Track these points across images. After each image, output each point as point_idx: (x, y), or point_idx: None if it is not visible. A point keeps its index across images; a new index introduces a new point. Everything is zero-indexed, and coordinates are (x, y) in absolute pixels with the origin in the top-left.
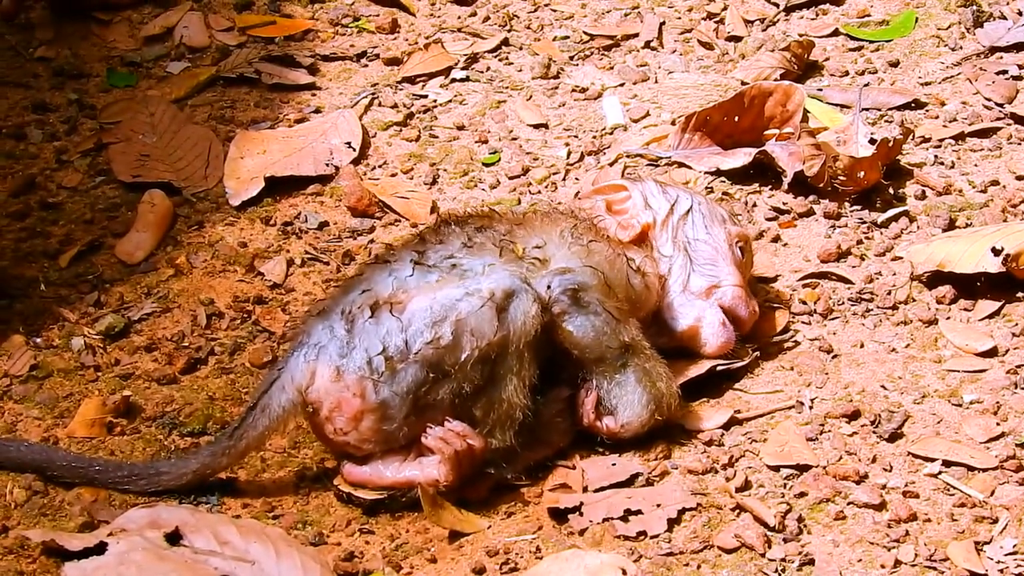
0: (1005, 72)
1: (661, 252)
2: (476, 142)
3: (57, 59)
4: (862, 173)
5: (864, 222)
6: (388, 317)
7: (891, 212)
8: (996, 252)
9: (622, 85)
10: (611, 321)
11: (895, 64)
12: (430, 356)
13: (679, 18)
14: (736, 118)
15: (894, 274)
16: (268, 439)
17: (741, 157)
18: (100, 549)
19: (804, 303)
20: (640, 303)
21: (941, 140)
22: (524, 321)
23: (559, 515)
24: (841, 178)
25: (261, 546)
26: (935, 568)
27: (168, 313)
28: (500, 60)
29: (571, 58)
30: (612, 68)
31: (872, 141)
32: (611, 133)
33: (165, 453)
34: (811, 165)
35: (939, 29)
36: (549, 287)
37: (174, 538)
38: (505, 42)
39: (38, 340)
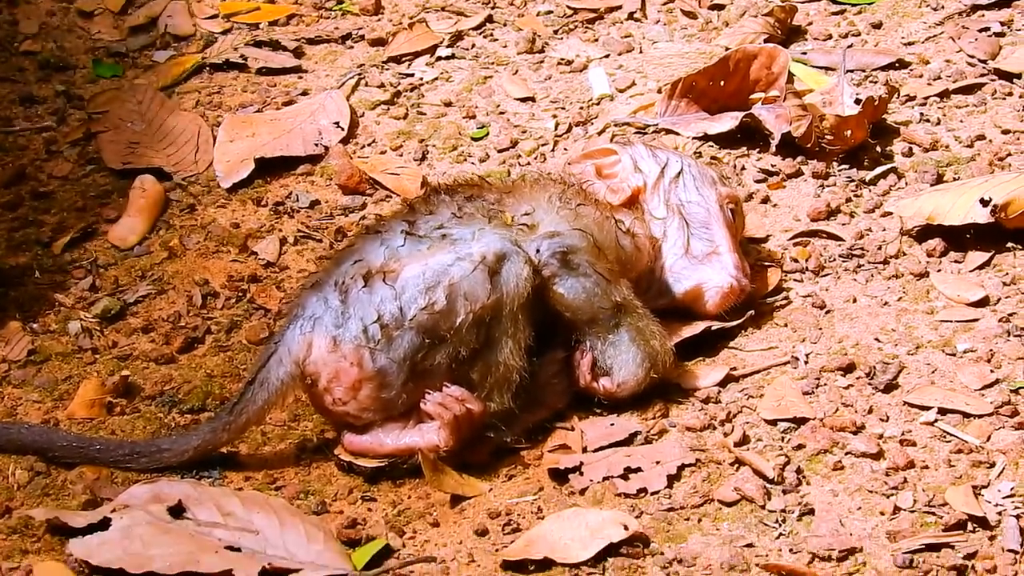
0: (987, 29)
1: (654, 215)
2: (464, 117)
3: (43, 52)
4: (849, 132)
5: (852, 180)
6: (381, 286)
7: (879, 169)
8: (984, 203)
9: (607, 56)
10: (602, 282)
11: (878, 26)
12: (425, 322)
13: None
14: (722, 83)
15: (884, 230)
16: (268, 413)
17: (728, 121)
18: (104, 525)
19: (796, 261)
20: (631, 264)
21: (926, 98)
22: (516, 283)
23: (559, 476)
24: (828, 138)
25: (264, 516)
26: (934, 513)
27: (163, 295)
28: (485, 37)
29: (555, 32)
30: (596, 40)
31: (858, 101)
32: (598, 104)
33: (165, 431)
34: (798, 126)
35: None
36: (538, 251)
37: (177, 512)
38: (489, 19)
39: (35, 325)
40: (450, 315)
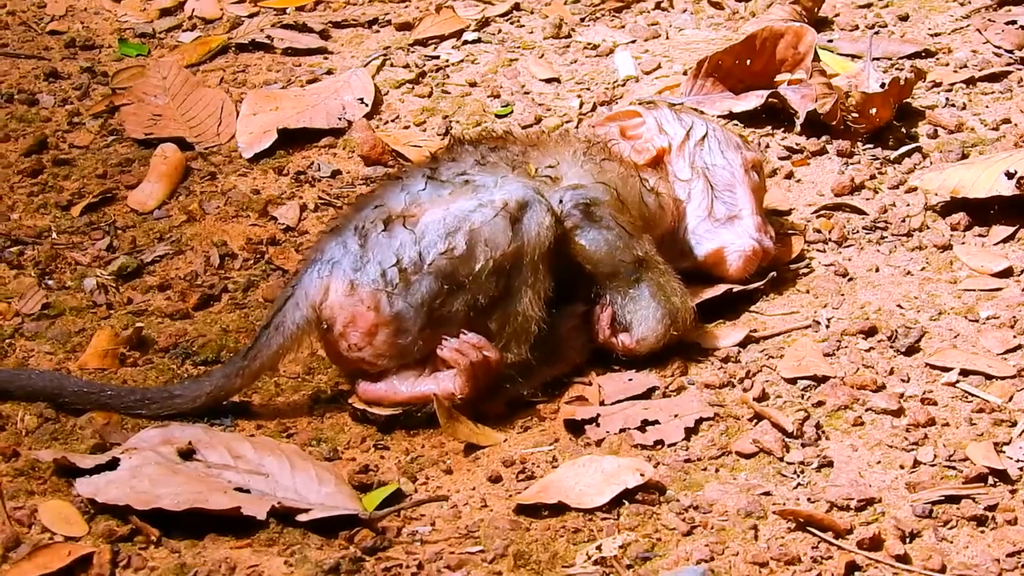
0: (1014, 22)
1: (678, 177)
2: (489, 96)
3: (68, 32)
4: (874, 110)
5: (877, 159)
6: (401, 230)
7: (904, 148)
8: (1010, 176)
9: (633, 42)
10: (624, 235)
11: (904, 18)
12: (444, 267)
13: None
14: (748, 62)
15: (908, 204)
16: (282, 358)
17: (753, 100)
18: (112, 465)
19: (819, 232)
20: (654, 222)
21: (952, 84)
22: (538, 232)
23: (575, 427)
24: (854, 115)
25: (275, 459)
26: (954, 467)
27: (181, 255)
28: (511, 23)
29: (582, 20)
30: (623, 27)
31: (883, 86)
32: (623, 85)
33: (178, 381)
34: (823, 103)
35: None
36: (561, 201)
37: (187, 455)
38: (516, 7)
39: (50, 282)
40: (469, 261)
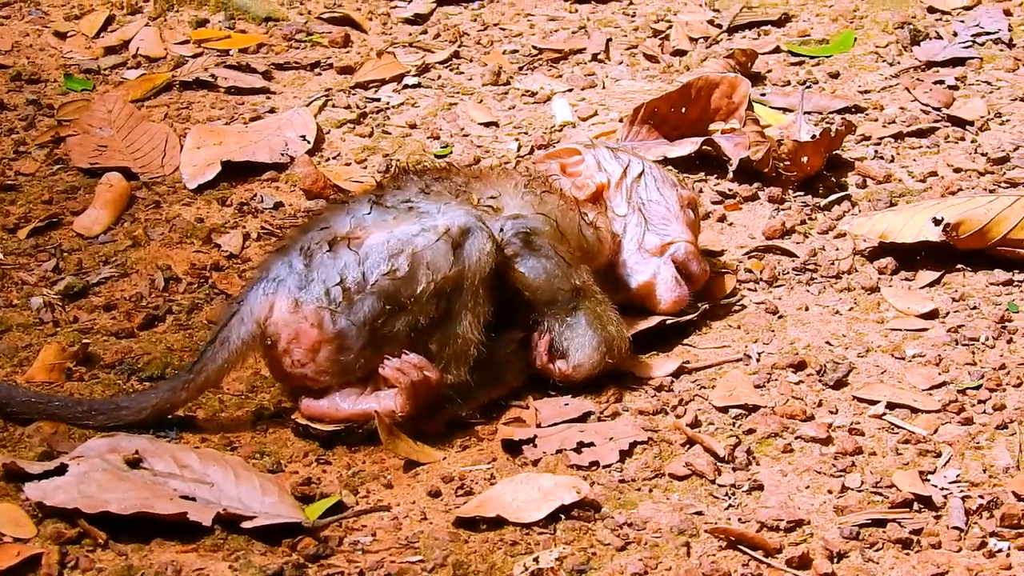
0: (942, 82)
1: (616, 212)
2: (428, 137)
3: (15, 66)
4: (806, 158)
5: (807, 205)
6: (346, 251)
7: (833, 196)
8: (937, 222)
9: (570, 90)
10: (562, 264)
11: (835, 75)
12: (387, 287)
13: (625, 36)
14: (683, 109)
15: (837, 249)
16: (227, 373)
17: (688, 146)
18: (61, 471)
19: (750, 271)
20: (593, 254)
21: (881, 138)
22: (479, 258)
23: (513, 447)
24: (786, 163)
25: (220, 470)
26: (881, 493)
27: (126, 278)
28: (451, 70)
29: (520, 68)
30: (561, 76)
31: (814, 136)
32: (560, 130)
33: (124, 394)
34: (756, 150)
35: (877, 47)
36: (502, 230)
37: (134, 463)
38: (456, 55)
39: None
40: (411, 283)
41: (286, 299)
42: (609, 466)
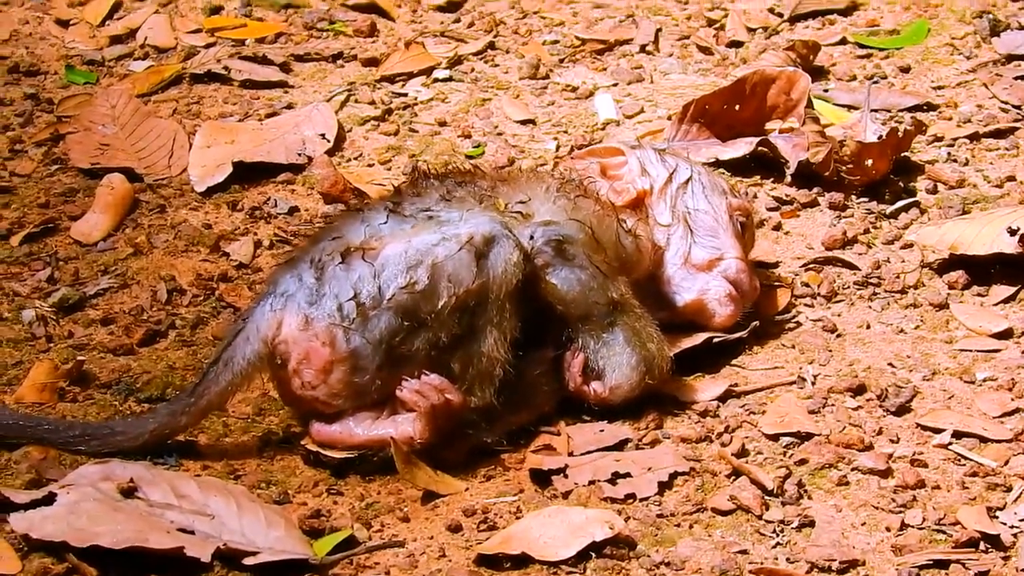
0: (1022, 77)
1: (659, 221)
2: (459, 136)
3: (12, 57)
4: (870, 161)
5: (871, 212)
6: (360, 263)
7: (900, 203)
8: (1012, 232)
9: (615, 85)
10: (598, 276)
11: (906, 70)
12: (404, 302)
13: (676, 25)
14: (737, 107)
15: (903, 261)
16: (231, 396)
17: (742, 147)
18: (48, 501)
19: (807, 285)
20: (631, 264)
21: (955, 139)
22: (505, 269)
23: (542, 478)
24: (848, 166)
25: (222, 500)
26: (944, 531)
27: (126, 289)
28: (485, 62)
29: (561, 61)
30: (605, 69)
31: (880, 137)
32: (603, 128)
33: (121, 418)
34: (816, 152)
35: (953, 38)
36: (532, 237)
37: (128, 493)
38: (491, 45)
39: None
40: (431, 297)
41: (295, 315)
42: (646, 499)
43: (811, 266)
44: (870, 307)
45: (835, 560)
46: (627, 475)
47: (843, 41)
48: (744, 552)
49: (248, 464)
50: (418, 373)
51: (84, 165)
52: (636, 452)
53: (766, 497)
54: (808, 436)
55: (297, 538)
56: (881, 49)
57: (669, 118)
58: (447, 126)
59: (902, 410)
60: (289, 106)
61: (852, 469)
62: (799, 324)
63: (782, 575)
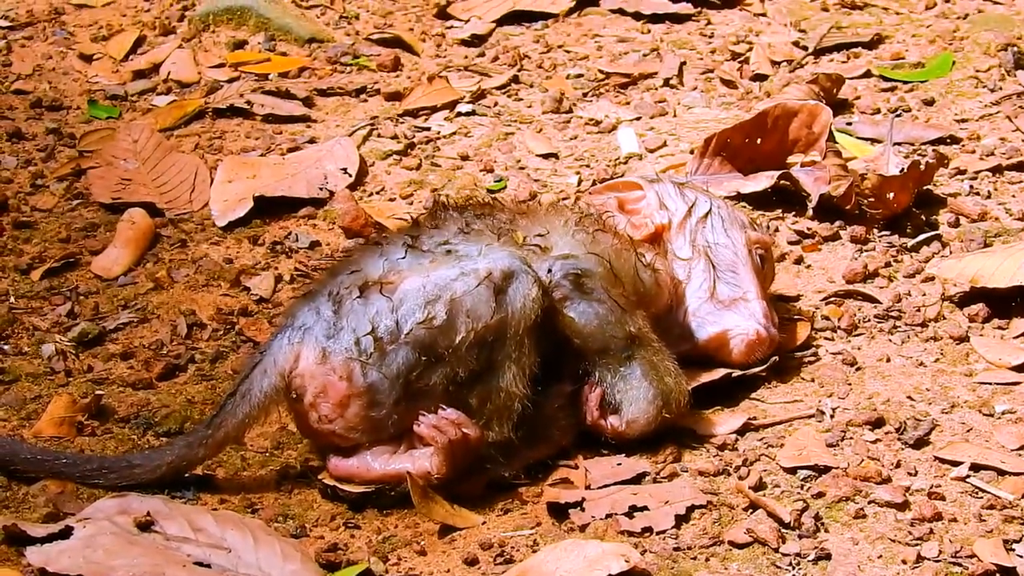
0: None
1: (678, 255)
2: (481, 170)
3: (35, 92)
4: (892, 195)
5: (893, 246)
6: (378, 297)
7: (922, 236)
8: None
9: (638, 119)
10: (616, 309)
11: (930, 103)
12: (422, 337)
13: (701, 59)
14: (758, 140)
15: (924, 294)
16: (248, 429)
17: (763, 180)
18: (65, 534)
19: (827, 319)
20: (650, 299)
21: (977, 172)
22: (524, 304)
23: (559, 511)
24: (870, 199)
25: (239, 534)
26: (960, 564)
27: (146, 323)
28: (509, 96)
29: (584, 95)
30: (628, 103)
31: (902, 170)
32: (625, 162)
33: (138, 451)
34: (837, 186)
35: (978, 71)
36: (550, 271)
37: (145, 526)
38: (515, 79)
39: (5, 347)
40: (449, 332)
41: (313, 349)
42: (663, 532)
43: (832, 299)
44: (890, 340)
45: None
46: (644, 508)
47: (867, 74)
48: None
49: (265, 498)
50: (435, 408)
51: (105, 200)
52: (653, 485)
53: (783, 530)
54: (826, 469)
55: (314, 571)
56: (905, 82)
57: (691, 152)
58: (469, 160)
59: (920, 443)
60: (311, 140)
61: (869, 502)
62: (818, 358)
63: None
